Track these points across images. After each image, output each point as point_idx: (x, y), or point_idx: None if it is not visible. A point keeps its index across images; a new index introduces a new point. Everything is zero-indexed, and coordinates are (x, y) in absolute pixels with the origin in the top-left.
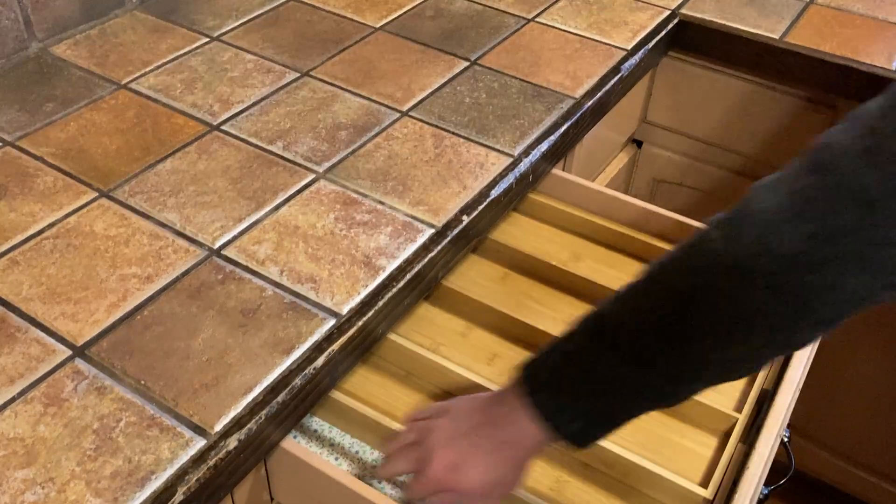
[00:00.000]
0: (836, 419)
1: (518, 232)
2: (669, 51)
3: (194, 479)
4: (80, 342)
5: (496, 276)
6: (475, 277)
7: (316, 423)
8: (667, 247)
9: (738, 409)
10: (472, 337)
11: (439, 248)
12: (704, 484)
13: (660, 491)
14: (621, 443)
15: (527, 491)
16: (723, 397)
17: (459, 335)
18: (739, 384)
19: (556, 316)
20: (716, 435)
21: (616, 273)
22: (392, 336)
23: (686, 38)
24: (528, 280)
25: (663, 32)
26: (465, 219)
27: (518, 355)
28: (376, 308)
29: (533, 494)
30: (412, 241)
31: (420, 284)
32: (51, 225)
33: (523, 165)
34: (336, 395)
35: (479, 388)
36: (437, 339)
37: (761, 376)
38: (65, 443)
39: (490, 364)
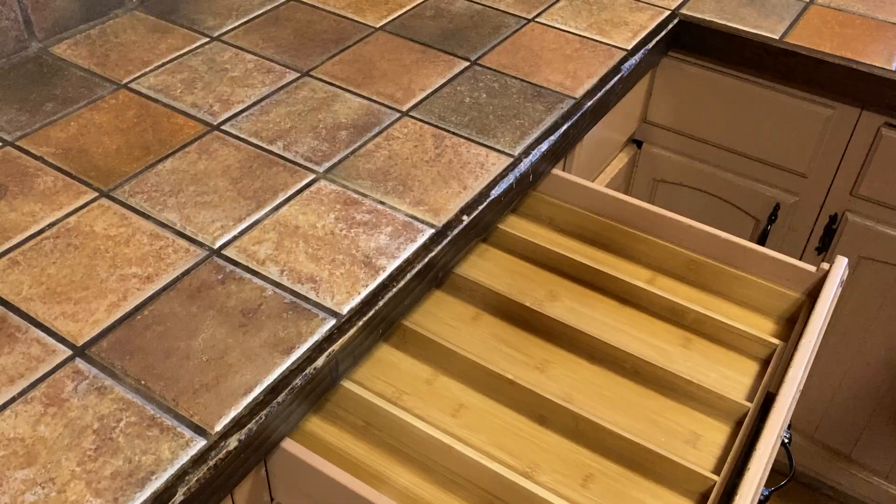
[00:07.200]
0: (836, 419)
1: (492, 268)
2: (669, 51)
3: (194, 479)
4: (80, 342)
5: (467, 316)
6: (445, 318)
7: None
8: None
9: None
10: (438, 385)
11: (440, 247)
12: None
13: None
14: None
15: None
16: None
17: (425, 382)
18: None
19: (529, 362)
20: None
21: (591, 313)
22: (348, 384)
23: (686, 38)
24: (500, 321)
25: (663, 32)
26: (466, 219)
27: (487, 406)
28: (377, 308)
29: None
30: (412, 241)
31: (420, 285)
32: (51, 225)
33: (523, 165)
34: (288, 443)
35: (440, 443)
36: (399, 387)
37: (765, 379)
38: (65, 443)
39: (455, 416)
